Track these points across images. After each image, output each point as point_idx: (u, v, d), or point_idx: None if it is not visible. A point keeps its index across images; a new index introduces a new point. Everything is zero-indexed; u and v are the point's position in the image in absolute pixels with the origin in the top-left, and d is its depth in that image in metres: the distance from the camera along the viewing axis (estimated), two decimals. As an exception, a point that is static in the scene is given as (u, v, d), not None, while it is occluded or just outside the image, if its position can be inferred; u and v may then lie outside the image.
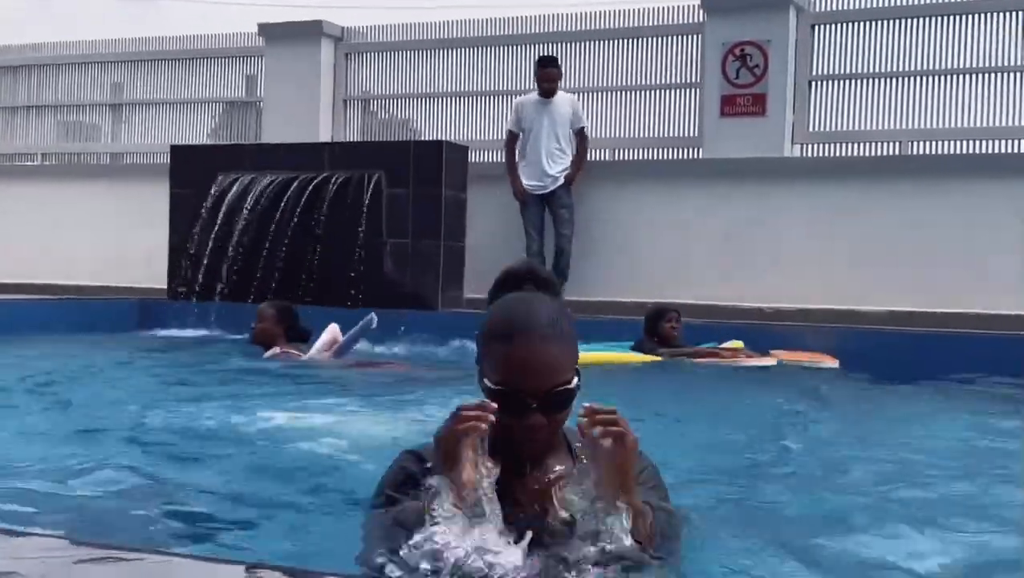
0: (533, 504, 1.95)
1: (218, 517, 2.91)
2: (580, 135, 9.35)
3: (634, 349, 7.21)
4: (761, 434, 4.41)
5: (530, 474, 1.99)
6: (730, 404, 5.50)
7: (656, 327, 7.28)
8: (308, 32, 11.26)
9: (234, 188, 9.19)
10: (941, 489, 3.45)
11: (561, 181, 9.22)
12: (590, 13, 10.51)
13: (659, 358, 6.97)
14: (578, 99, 9.65)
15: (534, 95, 9.41)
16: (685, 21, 10.10)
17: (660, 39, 10.24)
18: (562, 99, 9.35)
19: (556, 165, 9.23)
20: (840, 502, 3.20)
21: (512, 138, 9.40)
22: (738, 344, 7.25)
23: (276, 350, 6.77)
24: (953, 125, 9.29)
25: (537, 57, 9.68)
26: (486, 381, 2.01)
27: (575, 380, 2.00)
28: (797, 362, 6.92)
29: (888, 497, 3.27)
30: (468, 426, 1.86)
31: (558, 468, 1.98)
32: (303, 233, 8.91)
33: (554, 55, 9.75)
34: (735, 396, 5.81)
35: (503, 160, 9.53)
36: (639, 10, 10.31)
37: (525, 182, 9.25)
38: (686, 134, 10.10)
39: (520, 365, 1.95)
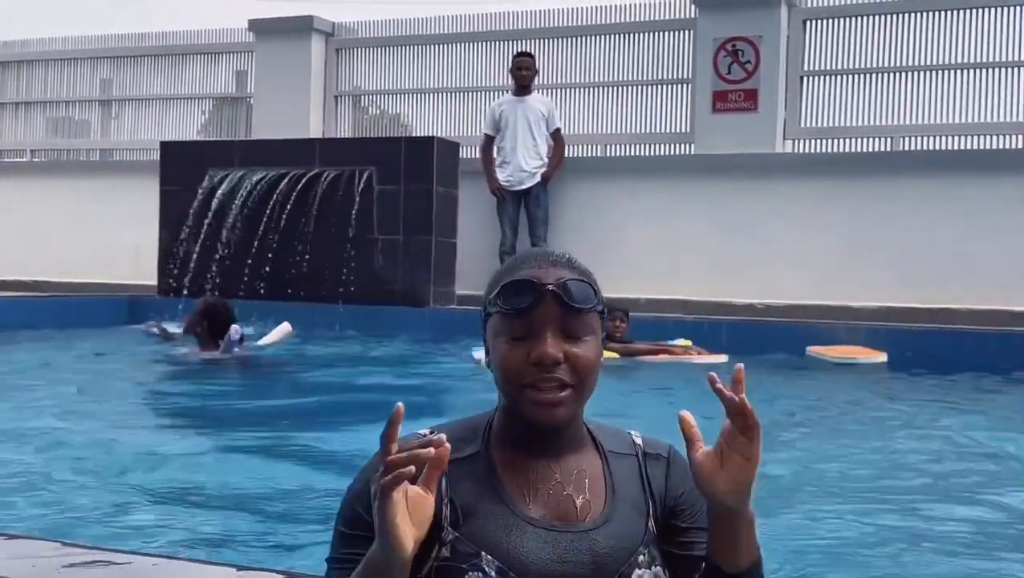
0: (566, 507, 1.58)
1: (207, 520, 2.89)
2: (555, 136, 9.38)
3: None
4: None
5: (559, 469, 1.60)
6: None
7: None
8: (298, 27, 11.21)
9: (224, 184, 9.15)
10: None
11: (537, 178, 9.24)
12: (582, 9, 10.51)
13: (614, 355, 6.96)
14: (559, 101, 9.72)
15: (508, 95, 9.48)
16: (677, 17, 10.08)
17: (652, 35, 10.22)
18: (537, 98, 9.43)
19: (532, 161, 9.25)
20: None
21: (488, 140, 9.42)
22: (687, 342, 7.30)
23: (184, 350, 6.82)
24: (945, 121, 9.28)
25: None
26: (488, 303, 1.60)
27: (599, 299, 1.60)
28: (843, 358, 6.92)
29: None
30: (394, 478, 1.36)
31: (586, 466, 1.61)
32: (293, 229, 8.88)
33: (532, 51, 9.76)
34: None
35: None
36: (631, 6, 10.30)
37: (502, 178, 9.27)
38: (678, 130, 10.08)
39: (541, 261, 1.60)
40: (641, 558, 1.57)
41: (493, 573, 1.51)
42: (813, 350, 7.10)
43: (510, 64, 9.60)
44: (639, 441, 1.69)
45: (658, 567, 1.59)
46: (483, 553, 1.51)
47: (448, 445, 1.39)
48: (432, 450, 1.37)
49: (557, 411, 1.55)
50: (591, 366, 1.56)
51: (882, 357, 6.95)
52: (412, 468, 1.36)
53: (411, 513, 1.40)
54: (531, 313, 1.55)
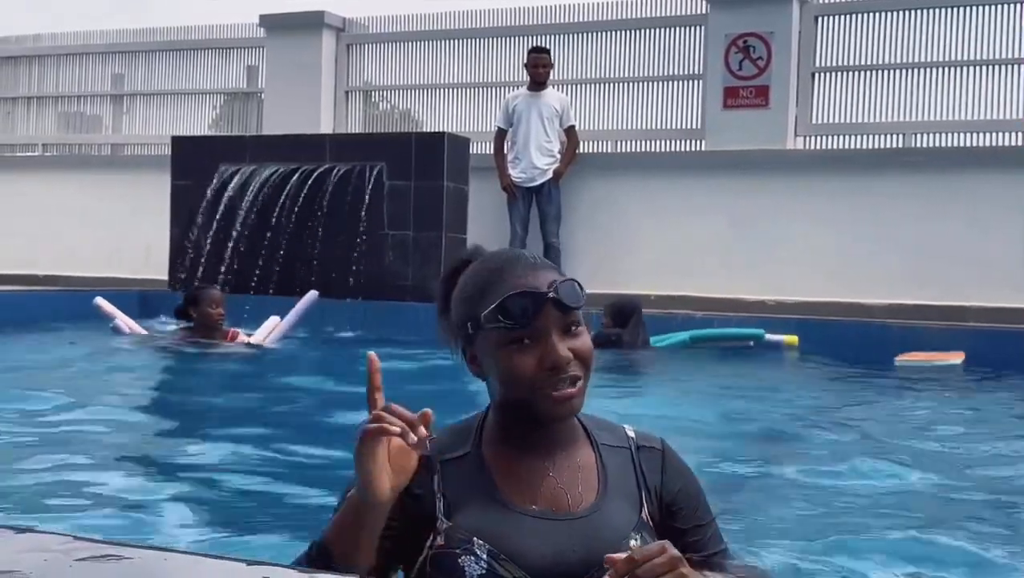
0: (558, 498, 1.64)
1: (217, 514, 2.89)
2: (569, 133, 9.35)
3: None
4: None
5: (552, 463, 1.66)
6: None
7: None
8: (309, 23, 11.22)
9: (235, 180, 9.16)
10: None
11: (549, 175, 9.22)
12: (593, 4, 10.48)
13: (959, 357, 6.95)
14: (568, 96, 9.70)
15: (523, 90, 9.44)
16: (688, 12, 10.06)
17: (663, 30, 10.20)
18: (551, 94, 9.39)
19: (544, 158, 9.24)
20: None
21: (501, 135, 9.40)
22: None
23: (239, 336, 6.89)
24: (956, 117, 9.24)
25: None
26: (482, 318, 1.65)
27: (584, 292, 1.68)
28: (923, 361, 6.83)
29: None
30: (378, 429, 1.48)
31: (579, 459, 1.68)
32: (304, 225, 8.89)
33: (547, 46, 9.72)
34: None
35: (501, 152, 9.53)
36: (642, 1, 10.27)
37: (513, 175, 9.25)
38: (689, 126, 10.06)
39: (522, 268, 1.66)
40: (633, 544, 1.61)
41: (484, 556, 1.57)
42: (902, 358, 6.92)
43: (525, 59, 9.57)
44: (632, 434, 1.76)
45: None
46: (475, 539, 1.58)
47: (430, 411, 1.52)
48: (423, 433, 1.50)
49: (574, 403, 1.63)
50: (592, 354, 1.66)
51: (960, 358, 6.85)
52: (398, 428, 1.48)
53: (392, 460, 1.51)
54: (534, 321, 1.62)
